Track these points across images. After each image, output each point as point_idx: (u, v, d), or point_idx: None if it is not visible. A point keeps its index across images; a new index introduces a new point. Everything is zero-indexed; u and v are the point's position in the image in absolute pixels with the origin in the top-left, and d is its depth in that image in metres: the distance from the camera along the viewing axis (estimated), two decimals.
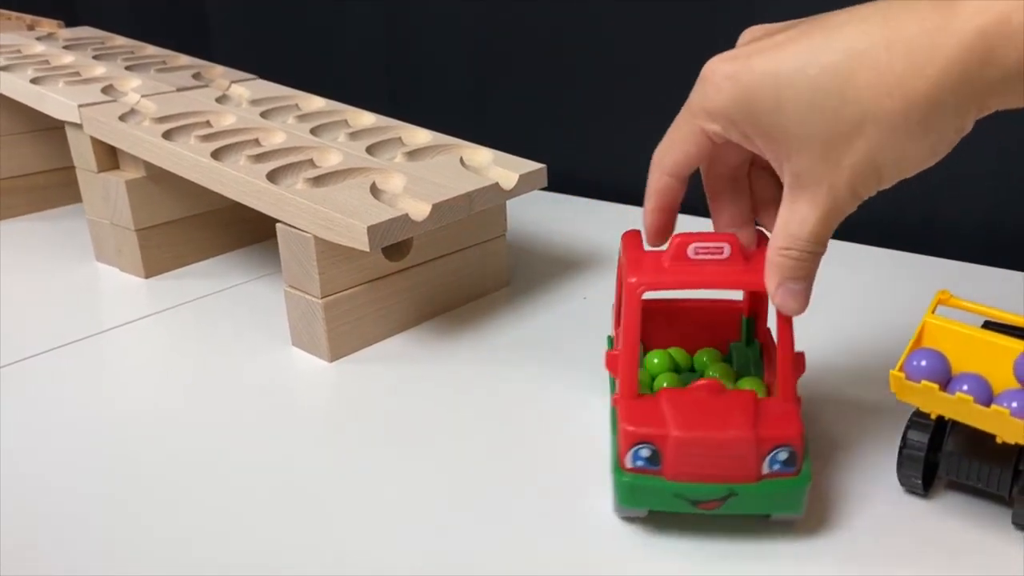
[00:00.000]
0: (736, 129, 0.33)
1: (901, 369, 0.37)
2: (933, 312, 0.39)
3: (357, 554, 0.37)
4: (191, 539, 0.38)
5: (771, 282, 0.35)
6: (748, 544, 0.36)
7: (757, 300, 0.44)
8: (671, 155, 0.36)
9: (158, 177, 0.63)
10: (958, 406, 0.35)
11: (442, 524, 0.38)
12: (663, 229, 0.39)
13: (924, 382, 0.35)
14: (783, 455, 0.34)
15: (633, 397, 0.37)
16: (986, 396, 0.35)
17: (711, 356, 0.44)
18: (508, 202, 0.60)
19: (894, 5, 0.30)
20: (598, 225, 0.75)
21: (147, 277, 0.65)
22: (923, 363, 0.36)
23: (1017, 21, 0.27)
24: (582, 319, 0.58)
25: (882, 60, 0.30)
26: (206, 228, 0.68)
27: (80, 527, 0.39)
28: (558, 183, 0.67)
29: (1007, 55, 0.28)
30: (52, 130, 0.77)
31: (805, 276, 0.35)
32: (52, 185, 0.81)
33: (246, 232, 0.71)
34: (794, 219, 0.33)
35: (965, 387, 0.35)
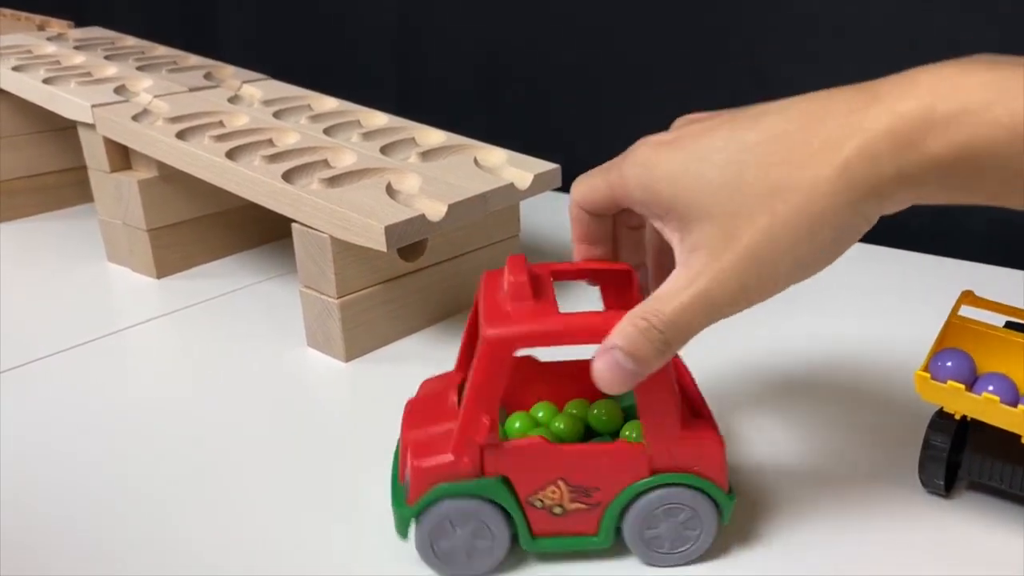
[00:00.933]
0: (649, 206, 0.32)
1: (926, 369, 0.37)
2: (957, 312, 0.39)
3: (370, 553, 0.37)
4: (203, 539, 0.38)
5: (606, 341, 0.31)
6: (768, 545, 0.36)
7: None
8: (582, 187, 0.36)
9: (170, 177, 0.63)
10: (985, 406, 0.35)
11: None
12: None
13: (950, 382, 0.35)
14: None
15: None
16: (1012, 396, 0.35)
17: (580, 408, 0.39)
18: (521, 203, 0.60)
19: (819, 94, 0.30)
20: None
21: (159, 277, 0.65)
22: (949, 364, 0.36)
23: (942, 110, 0.27)
24: None
25: (799, 138, 0.29)
26: (218, 228, 0.68)
27: (90, 527, 0.39)
28: (571, 184, 0.67)
29: (929, 142, 0.27)
30: (60, 130, 0.77)
31: (642, 359, 0.31)
32: (61, 185, 0.81)
33: (257, 232, 0.71)
34: (666, 291, 0.31)
35: (991, 387, 0.35)
